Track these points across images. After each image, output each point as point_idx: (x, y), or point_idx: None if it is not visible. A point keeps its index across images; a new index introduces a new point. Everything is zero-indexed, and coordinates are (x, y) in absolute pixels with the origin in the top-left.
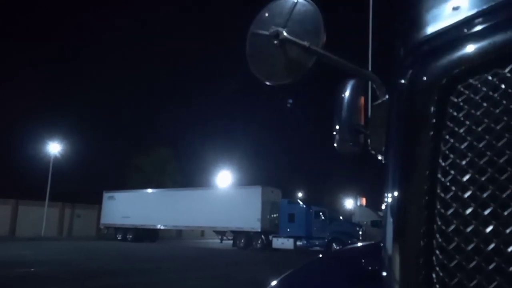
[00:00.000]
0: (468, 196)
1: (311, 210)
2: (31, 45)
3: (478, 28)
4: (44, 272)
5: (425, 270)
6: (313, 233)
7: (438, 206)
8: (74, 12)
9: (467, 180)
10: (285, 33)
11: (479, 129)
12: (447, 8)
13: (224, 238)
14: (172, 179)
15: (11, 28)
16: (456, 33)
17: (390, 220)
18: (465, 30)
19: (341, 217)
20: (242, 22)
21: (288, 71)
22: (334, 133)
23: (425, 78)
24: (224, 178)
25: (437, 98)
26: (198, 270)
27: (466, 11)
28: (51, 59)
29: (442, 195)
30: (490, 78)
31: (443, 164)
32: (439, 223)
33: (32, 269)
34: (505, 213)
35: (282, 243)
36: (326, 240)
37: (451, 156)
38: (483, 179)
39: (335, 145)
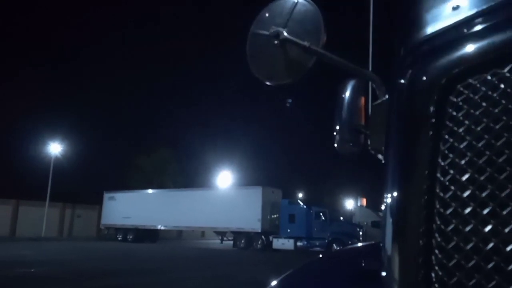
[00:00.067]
0: (467, 196)
1: (311, 211)
2: (31, 45)
3: (477, 28)
4: (44, 272)
5: (424, 269)
6: (313, 234)
7: (437, 206)
8: (74, 12)
9: (466, 179)
10: (285, 33)
11: (478, 128)
12: (446, 8)
13: (225, 238)
14: (172, 180)
15: (11, 28)
16: (456, 33)
17: (389, 220)
18: (465, 30)
19: (341, 218)
20: (243, 22)
21: (289, 71)
22: (335, 133)
23: (424, 78)
24: (224, 178)
25: (436, 98)
26: (199, 270)
27: (466, 11)
28: (51, 59)
29: (441, 194)
30: (489, 78)
31: (442, 163)
32: (438, 222)
33: (32, 270)
34: (504, 212)
35: (282, 243)
36: (326, 241)
37: (451, 155)
38: (482, 178)
39: (336, 145)
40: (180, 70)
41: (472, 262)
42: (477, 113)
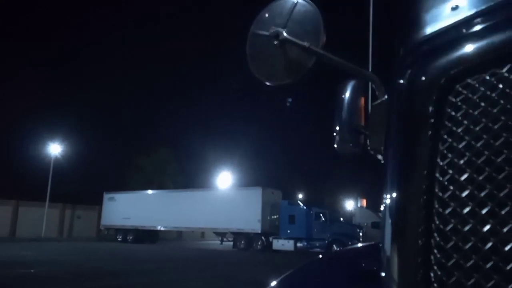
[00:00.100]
0: (466, 195)
1: (311, 212)
2: (31, 45)
3: (476, 28)
4: (44, 273)
5: (423, 269)
6: (313, 235)
7: (436, 205)
8: (74, 12)
9: (465, 179)
10: (285, 34)
11: (477, 128)
12: (446, 8)
13: (225, 239)
14: (172, 180)
15: (11, 28)
16: (455, 33)
17: (388, 219)
18: (464, 30)
19: (341, 219)
20: (242, 22)
21: (288, 72)
22: (334, 133)
23: (423, 78)
24: (224, 179)
25: (435, 98)
26: (199, 271)
27: (465, 12)
28: (51, 60)
29: (440, 194)
30: (488, 78)
31: (441, 163)
32: (437, 222)
33: (32, 270)
34: (503, 212)
35: (282, 244)
36: (326, 242)
37: (449, 155)
38: (480, 178)
39: (335, 146)
40: (180, 70)
41: (471, 262)
42: (476, 113)
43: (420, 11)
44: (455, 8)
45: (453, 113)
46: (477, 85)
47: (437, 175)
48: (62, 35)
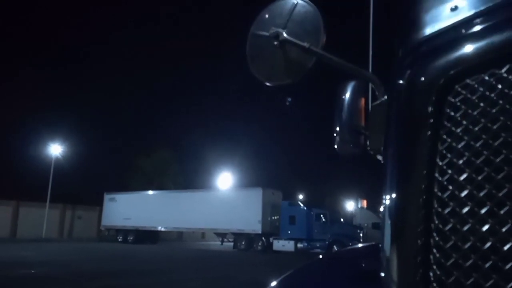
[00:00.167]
0: (465, 195)
1: (312, 212)
2: (32, 46)
3: (475, 29)
4: (45, 273)
5: (422, 269)
6: (314, 235)
7: (436, 205)
8: (75, 12)
9: (464, 179)
10: (285, 34)
11: (476, 128)
12: (445, 9)
13: (225, 240)
14: (173, 181)
15: (11, 28)
16: (454, 34)
17: (388, 219)
18: (463, 31)
19: (342, 219)
20: (243, 23)
21: (288, 72)
22: (335, 134)
23: (423, 78)
24: (225, 179)
25: (434, 98)
26: (199, 271)
27: (464, 12)
28: (52, 60)
29: (440, 194)
30: (487, 78)
31: (440, 163)
32: (437, 221)
33: (33, 270)
34: (502, 211)
35: (283, 245)
36: (327, 242)
37: (449, 155)
38: (479, 178)
39: (336, 146)
40: (181, 70)
41: (470, 261)
42: (475, 113)
43: (419, 12)
44: (454, 9)
45: (452, 113)
46: (476, 86)
47: (437, 175)
48: (62, 35)
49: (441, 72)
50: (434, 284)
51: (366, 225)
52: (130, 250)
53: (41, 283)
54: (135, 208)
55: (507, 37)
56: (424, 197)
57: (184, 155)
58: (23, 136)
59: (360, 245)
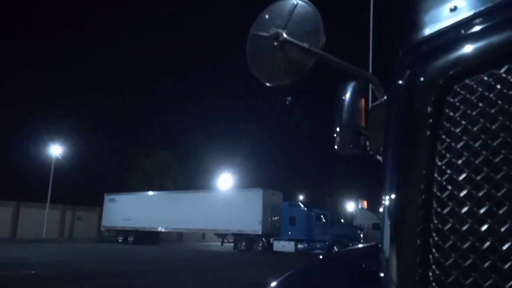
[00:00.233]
0: (464, 195)
1: (312, 213)
2: (32, 46)
3: (474, 29)
4: (45, 274)
5: (421, 269)
6: (314, 236)
7: (435, 205)
8: (75, 12)
9: (463, 179)
10: (285, 35)
11: (475, 129)
12: (445, 9)
13: (225, 240)
14: (173, 181)
15: (12, 28)
16: (454, 34)
17: (387, 219)
18: (462, 31)
19: (342, 220)
20: (243, 23)
21: (288, 72)
22: (335, 135)
23: (422, 79)
24: (225, 180)
25: (434, 99)
26: (199, 272)
27: (463, 13)
28: (52, 60)
29: (439, 194)
30: (486, 78)
31: (439, 163)
32: (436, 221)
33: (33, 271)
34: (501, 211)
35: (283, 246)
36: (327, 243)
37: (448, 155)
38: (478, 178)
39: (336, 147)
40: (181, 70)
41: (469, 261)
42: (474, 113)
43: (419, 12)
44: (453, 10)
45: (451, 114)
46: (475, 86)
47: (436, 175)
48: (62, 35)
49: (440, 73)
50: (433, 284)
51: (366, 225)
52: (130, 250)
53: (42, 284)
54: (135, 209)
55: (506, 37)
56: (424, 197)
57: (184, 155)
58: (24, 136)
59: (360, 245)
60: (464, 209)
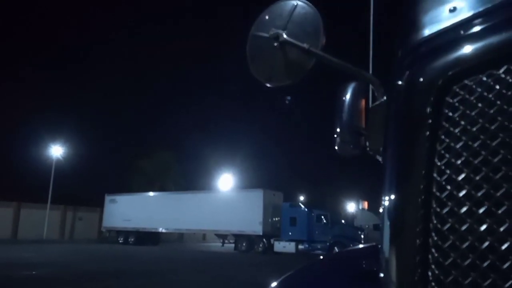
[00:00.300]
0: (463, 195)
1: (313, 214)
2: (33, 46)
3: (474, 30)
4: (46, 274)
5: (421, 268)
6: (315, 237)
7: (434, 205)
8: (76, 13)
9: (462, 179)
10: (285, 35)
11: (474, 129)
12: (444, 10)
13: (226, 241)
14: (173, 182)
15: (12, 28)
16: (453, 35)
17: (387, 219)
18: (462, 32)
19: (343, 221)
20: (243, 23)
21: (288, 73)
22: (335, 135)
23: (421, 79)
24: (225, 181)
25: (433, 99)
26: (200, 272)
27: (463, 13)
28: (52, 60)
29: (438, 194)
30: (485, 79)
31: (438, 163)
32: (435, 221)
33: (34, 271)
34: (500, 211)
35: (283, 246)
36: (328, 244)
37: (447, 155)
38: (477, 178)
39: (336, 147)
40: (181, 71)
41: (468, 261)
42: (473, 113)
43: (418, 13)
44: (453, 10)
45: (450, 114)
46: (474, 86)
47: (435, 175)
48: (62, 35)
49: (439, 73)
50: (433, 284)
51: (367, 226)
52: (131, 251)
53: (42, 284)
54: (135, 210)
55: (505, 38)
56: (423, 197)
57: (184, 156)
58: (24, 136)
59: (360, 246)
60: (463, 209)
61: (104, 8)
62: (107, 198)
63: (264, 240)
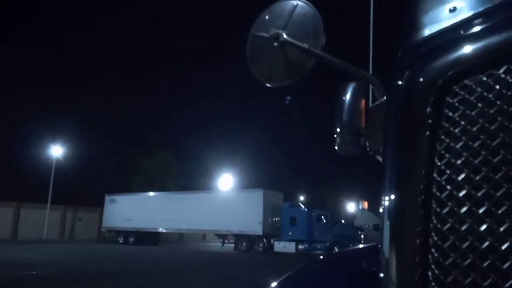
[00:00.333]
0: (463, 195)
1: (313, 214)
2: (33, 46)
3: (474, 30)
4: (46, 274)
5: (421, 268)
6: (315, 237)
7: (434, 205)
8: (76, 13)
9: (462, 179)
10: (285, 35)
11: (474, 129)
12: (444, 10)
13: (226, 241)
14: (173, 182)
15: (12, 29)
16: (453, 35)
17: (387, 219)
18: (462, 32)
19: (343, 221)
20: (243, 23)
21: (288, 73)
22: (335, 135)
23: (421, 79)
24: (226, 181)
25: (433, 99)
26: (200, 272)
27: (463, 13)
28: (53, 61)
29: (438, 194)
30: (485, 79)
31: (438, 163)
32: (435, 221)
33: (34, 271)
34: (499, 211)
35: (283, 246)
36: (328, 244)
37: (447, 155)
38: (477, 178)
39: (336, 147)
40: (181, 71)
41: (468, 261)
42: (473, 113)
43: (418, 13)
44: (453, 10)
45: (450, 114)
46: (474, 86)
47: (435, 175)
48: (62, 35)
49: (439, 73)
50: (433, 284)
51: (367, 226)
52: (131, 251)
53: (43, 284)
54: (135, 210)
55: (505, 38)
56: (423, 197)
57: (184, 156)
58: (24, 136)
59: (360, 246)
60: (463, 209)
61: (104, 8)
62: (107, 198)
63: (264, 240)
